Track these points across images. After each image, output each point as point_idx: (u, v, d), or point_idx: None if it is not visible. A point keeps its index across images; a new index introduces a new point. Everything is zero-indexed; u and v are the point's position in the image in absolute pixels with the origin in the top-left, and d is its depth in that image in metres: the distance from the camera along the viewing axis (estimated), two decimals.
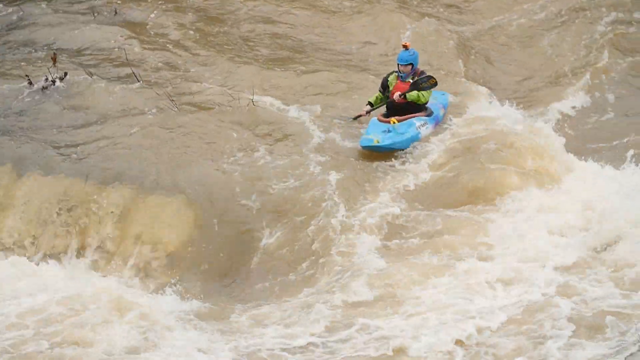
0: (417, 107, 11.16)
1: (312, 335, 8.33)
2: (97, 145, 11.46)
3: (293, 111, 11.86)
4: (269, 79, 12.86)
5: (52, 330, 8.53)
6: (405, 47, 11.09)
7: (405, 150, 10.95)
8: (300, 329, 8.45)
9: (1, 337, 8.49)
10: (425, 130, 11.15)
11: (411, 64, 11.04)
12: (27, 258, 10.64)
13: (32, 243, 10.96)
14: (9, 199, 11.24)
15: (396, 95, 10.97)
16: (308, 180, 10.62)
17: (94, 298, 8.97)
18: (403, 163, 10.91)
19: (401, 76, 11.15)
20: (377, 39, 14.11)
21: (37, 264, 10.54)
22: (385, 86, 11.20)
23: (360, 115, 11.30)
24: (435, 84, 11.09)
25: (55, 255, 10.81)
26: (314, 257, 9.86)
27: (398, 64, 11.14)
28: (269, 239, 10.28)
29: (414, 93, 11.03)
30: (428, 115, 11.24)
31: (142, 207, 10.77)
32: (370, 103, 11.23)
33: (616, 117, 12.63)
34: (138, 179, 10.96)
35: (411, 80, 11.07)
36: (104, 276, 10.40)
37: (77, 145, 11.51)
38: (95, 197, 10.81)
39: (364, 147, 10.77)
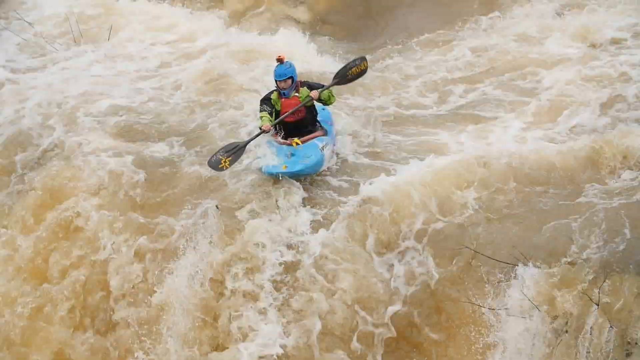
0: (312, 123, 10.18)
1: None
2: None
3: None
4: None
5: None
6: (280, 60, 9.84)
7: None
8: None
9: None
10: (327, 152, 10.13)
11: (291, 77, 9.83)
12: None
13: None
14: None
15: (314, 94, 9.83)
16: None
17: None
18: None
19: (283, 93, 9.90)
20: None
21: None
22: (271, 106, 9.96)
23: (260, 133, 10.02)
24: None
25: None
26: None
27: (276, 81, 9.94)
28: None
29: (326, 92, 9.96)
30: (326, 135, 10.31)
31: None
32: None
33: None
34: None
35: (297, 94, 9.85)
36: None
37: None
38: None
39: (269, 175, 9.68)
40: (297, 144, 9.83)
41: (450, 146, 11.02)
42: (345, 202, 9.95)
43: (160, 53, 15.55)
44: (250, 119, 12.16)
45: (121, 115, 13.15)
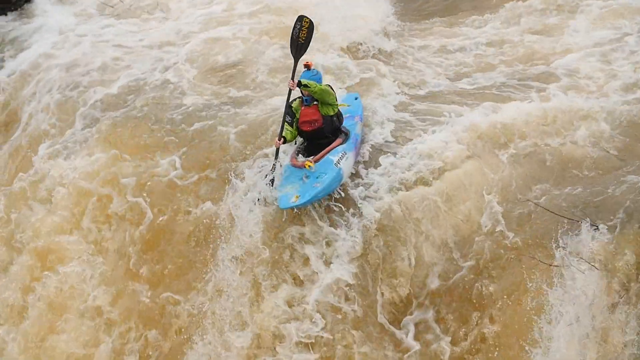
0: (332, 131, 9.54)
1: None
2: None
3: None
4: None
5: None
6: (307, 66, 9.45)
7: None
8: None
9: None
10: (346, 163, 9.34)
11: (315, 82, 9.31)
12: None
13: None
14: None
15: (290, 82, 9.44)
16: None
17: None
18: None
19: (305, 100, 9.38)
20: None
21: None
22: (292, 115, 9.47)
23: (277, 150, 9.53)
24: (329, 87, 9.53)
25: None
26: None
27: (300, 88, 9.44)
28: None
29: (312, 82, 9.27)
30: (345, 142, 9.59)
31: None
32: (283, 138, 9.45)
33: None
34: None
35: (317, 102, 9.36)
36: None
37: None
38: None
39: (284, 209, 9.05)
40: (309, 166, 9.15)
41: (467, 135, 9.66)
42: (358, 238, 8.95)
43: (205, 20, 14.06)
44: (272, 121, 10.64)
45: (125, 108, 11.51)
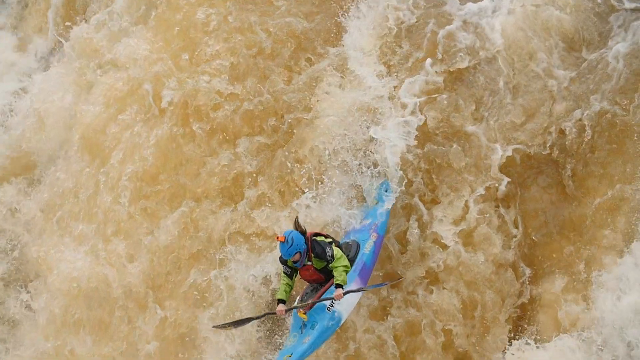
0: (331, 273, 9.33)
1: None
2: None
3: None
4: None
5: None
6: (280, 239, 9.15)
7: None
8: None
9: None
10: (343, 301, 9.12)
11: (298, 252, 9.18)
12: None
13: None
14: None
15: (338, 294, 9.05)
16: None
17: None
18: None
19: (297, 264, 9.35)
20: None
21: None
22: (288, 268, 9.42)
23: (273, 314, 9.49)
24: (342, 255, 9.21)
25: None
26: None
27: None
28: None
29: (340, 272, 9.13)
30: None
31: None
32: (281, 300, 9.32)
33: None
34: None
35: (310, 262, 9.28)
36: None
37: None
38: None
39: None
40: (303, 316, 9.04)
41: None
42: None
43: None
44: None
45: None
